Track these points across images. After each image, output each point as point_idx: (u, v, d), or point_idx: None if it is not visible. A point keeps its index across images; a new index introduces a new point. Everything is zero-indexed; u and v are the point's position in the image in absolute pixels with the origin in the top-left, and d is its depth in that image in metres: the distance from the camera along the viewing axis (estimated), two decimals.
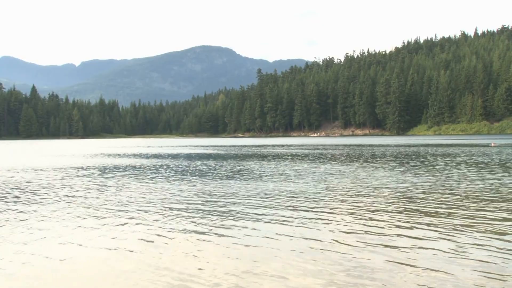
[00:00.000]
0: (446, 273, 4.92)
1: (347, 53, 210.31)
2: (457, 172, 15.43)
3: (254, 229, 7.16)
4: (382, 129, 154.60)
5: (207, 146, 53.13)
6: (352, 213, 8.29)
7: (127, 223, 7.73)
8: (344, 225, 7.31)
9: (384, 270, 5.04)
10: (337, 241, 6.33)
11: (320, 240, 6.37)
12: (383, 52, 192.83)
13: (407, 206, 8.90)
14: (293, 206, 9.10)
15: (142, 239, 6.61)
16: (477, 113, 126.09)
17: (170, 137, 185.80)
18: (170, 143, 73.64)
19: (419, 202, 9.34)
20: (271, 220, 7.82)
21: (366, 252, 5.74)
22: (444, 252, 5.71)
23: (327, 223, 7.47)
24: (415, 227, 7.12)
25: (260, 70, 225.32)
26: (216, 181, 14.01)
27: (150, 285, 4.70)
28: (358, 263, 5.31)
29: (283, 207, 9.07)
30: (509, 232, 6.68)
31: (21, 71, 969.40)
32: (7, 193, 11.82)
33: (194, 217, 8.20)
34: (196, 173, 16.80)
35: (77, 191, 12.06)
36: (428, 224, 7.26)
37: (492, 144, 41.90)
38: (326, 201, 9.68)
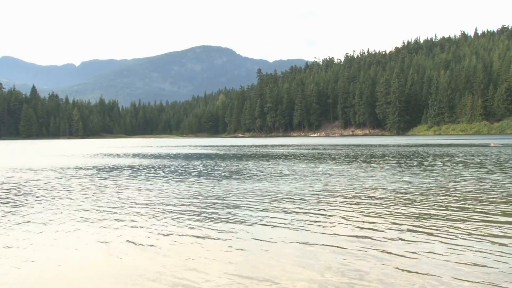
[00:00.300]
0: (441, 276, 4.91)
1: (347, 53, 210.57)
2: (455, 172, 15.42)
3: (251, 230, 7.16)
4: (382, 129, 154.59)
5: (206, 146, 53.13)
6: (349, 214, 8.29)
7: (124, 224, 7.72)
8: (341, 227, 7.31)
9: (379, 272, 5.04)
10: (333, 242, 6.32)
11: (316, 241, 6.37)
12: (383, 52, 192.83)
13: (404, 207, 8.90)
14: (290, 207, 9.10)
15: (138, 240, 6.61)
16: (477, 113, 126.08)
17: (170, 137, 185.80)
18: (170, 143, 73.64)
19: (416, 203, 9.34)
20: (268, 221, 7.82)
21: (361, 255, 5.74)
22: (440, 254, 5.71)
23: (324, 224, 7.47)
24: (411, 228, 7.11)
25: (260, 70, 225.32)
26: (214, 181, 14.01)
27: (149, 284, 4.69)
28: (353, 265, 5.30)
29: (280, 208, 9.06)
30: (506, 234, 6.68)
31: (21, 71, 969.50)
32: (5, 193, 11.81)
33: (191, 218, 8.19)
34: (195, 174, 16.80)
35: (75, 191, 12.05)
36: (424, 225, 7.26)
37: (492, 144, 41.89)
38: (324, 202, 9.68)
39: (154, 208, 9.25)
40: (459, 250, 5.79)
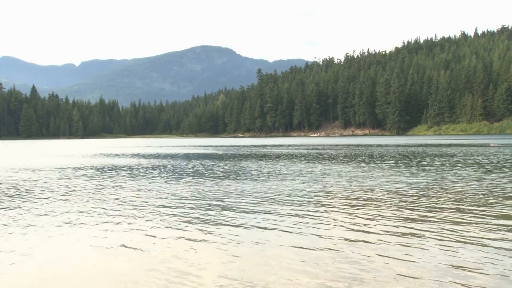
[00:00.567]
0: (439, 280, 4.91)
1: (347, 53, 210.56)
2: (453, 173, 15.42)
3: (247, 232, 7.16)
4: (382, 129, 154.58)
5: (206, 146, 53.12)
6: (346, 215, 8.29)
7: (120, 225, 7.72)
8: (338, 229, 7.30)
9: (376, 276, 5.04)
10: (330, 245, 6.32)
11: (313, 244, 6.37)
12: (383, 52, 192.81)
13: (401, 208, 8.90)
14: (287, 208, 9.10)
15: (135, 241, 6.61)
16: (477, 113, 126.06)
17: (170, 137, 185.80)
18: (170, 143, 73.64)
19: (413, 204, 9.34)
20: (265, 223, 7.81)
21: (358, 258, 5.73)
22: (436, 257, 5.71)
23: (321, 226, 7.47)
24: (408, 230, 7.10)
25: (260, 70, 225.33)
26: (212, 181, 14.00)
27: (143, 286, 4.69)
28: (350, 268, 5.30)
29: (277, 209, 9.06)
30: (503, 236, 6.68)
31: (21, 71, 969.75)
32: (2, 193, 11.80)
33: (187, 219, 8.20)
34: (193, 174, 16.79)
35: (73, 191, 12.05)
36: (422, 227, 7.26)
37: (492, 144, 41.88)
38: (321, 203, 9.67)
39: (151, 209, 9.25)
40: (456, 253, 5.79)
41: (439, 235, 6.58)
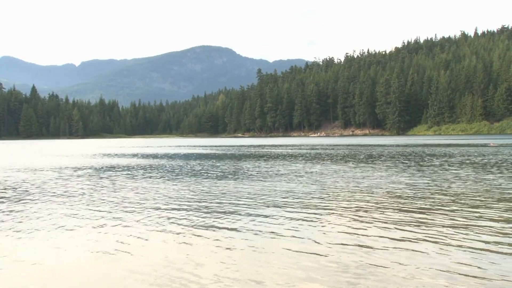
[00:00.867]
0: (434, 279, 4.93)
1: (347, 53, 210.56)
2: (452, 173, 15.42)
3: (243, 232, 7.17)
4: (382, 129, 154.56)
5: (206, 146, 53.13)
6: (343, 216, 8.30)
7: (117, 225, 7.73)
8: (334, 230, 7.31)
9: (372, 277, 5.05)
10: (326, 247, 6.33)
11: (310, 245, 6.38)
12: (383, 52, 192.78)
13: (399, 209, 8.91)
14: (284, 209, 9.11)
15: (131, 241, 6.63)
16: (477, 113, 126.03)
17: (170, 137, 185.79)
18: (170, 143, 73.65)
19: (410, 205, 9.35)
20: (262, 223, 7.82)
21: (354, 259, 5.75)
22: (433, 258, 5.71)
23: (318, 227, 7.48)
24: (405, 232, 7.11)
25: (260, 70, 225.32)
26: (210, 182, 14.02)
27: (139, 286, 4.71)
28: (345, 267, 5.31)
29: (274, 209, 9.08)
30: (499, 237, 6.69)
31: (21, 71, 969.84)
32: (0, 193, 11.81)
33: (185, 219, 8.21)
34: (192, 173, 16.80)
35: (71, 191, 12.06)
36: (418, 229, 7.26)
37: (491, 144, 41.88)
38: (318, 204, 9.68)
39: (149, 209, 9.26)
40: (453, 255, 5.79)
41: (436, 237, 6.58)
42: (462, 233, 6.69)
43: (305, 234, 6.83)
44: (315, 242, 6.34)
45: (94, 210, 9.08)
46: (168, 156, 31.40)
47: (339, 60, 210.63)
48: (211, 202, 9.88)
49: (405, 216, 7.99)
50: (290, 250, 5.95)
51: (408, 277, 4.83)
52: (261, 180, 14.04)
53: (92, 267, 5.40)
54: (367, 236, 6.64)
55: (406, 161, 21.50)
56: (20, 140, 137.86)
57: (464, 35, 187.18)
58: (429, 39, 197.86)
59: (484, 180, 13.21)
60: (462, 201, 9.47)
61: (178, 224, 7.67)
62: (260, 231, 7.05)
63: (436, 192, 10.82)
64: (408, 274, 4.93)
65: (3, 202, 10.34)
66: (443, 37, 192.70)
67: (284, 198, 10.33)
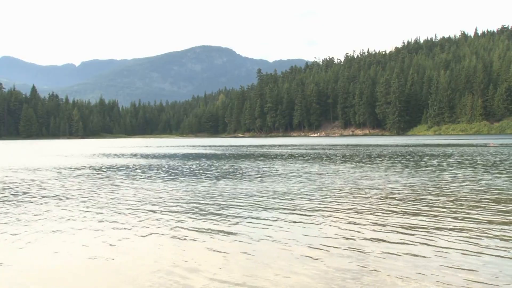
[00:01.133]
0: (432, 280, 4.92)
1: (347, 53, 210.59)
2: (450, 173, 15.42)
3: (240, 233, 7.16)
4: (382, 129, 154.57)
5: (205, 146, 53.13)
6: (339, 217, 8.30)
7: (114, 224, 7.72)
8: (331, 230, 7.30)
9: (368, 276, 5.05)
10: (322, 246, 6.33)
11: (306, 246, 6.38)
12: (383, 52, 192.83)
13: (396, 209, 8.91)
14: (282, 209, 9.11)
15: (129, 241, 6.62)
16: (477, 113, 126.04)
17: (170, 137, 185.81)
18: (169, 143, 73.65)
19: (407, 205, 9.35)
20: (259, 223, 7.82)
21: (350, 259, 5.74)
22: (427, 258, 5.71)
23: (314, 228, 7.48)
24: (401, 233, 7.11)
25: (260, 70, 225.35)
26: (208, 181, 14.01)
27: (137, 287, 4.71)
28: (342, 270, 5.31)
29: (272, 209, 9.07)
30: (495, 238, 6.68)
31: (21, 71, 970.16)
32: None
33: (182, 219, 8.20)
34: (190, 174, 16.80)
35: (69, 191, 12.05)
36: (414, 230, 7.26)
37: (491, 144, 41.88)
38: (315, 203, 9.68)
39: (146, 210, 9.25)
40: (447, 254, 5.79)
41: (434, 238, 6.57)
42: (460, 234, 6.68)
43: (302, 236, 6.81)
44: (312, 244, 6.33)
45: (91, 211, 9.07)
46: (167, 156, 31.40)
47: (339, 60, 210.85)
48: (208, 203, 9.87)
49: (403, 217, 7.98)
50: (286, 252, 5.94)
51: (406, 279, 4.83)
52: (259, 181, 14.03)
53: (87, 269, 5.39)
54: (364, 238, 6.62)
55: (405, 161, 21.49)
56: (20, 140, 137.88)
57: (464, 35, 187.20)
58: (429, 39, 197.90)
59: (482, 180, 13.20)
60: (460, 202, 9.46)
61: (174, 225, 7.66)
62: (256, 233, 7.03)
63: (434, 193, 10.82)
64: (406, 276, 4.92)
65: (0, 202, 10.33)
66: (443, 37, 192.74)
67: (281, 199, 10.33)
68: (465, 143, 49.68)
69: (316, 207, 9.11)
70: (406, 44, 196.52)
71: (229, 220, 7.90)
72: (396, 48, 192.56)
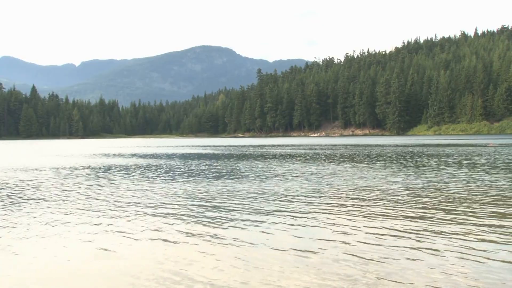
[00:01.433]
0: (430, 281, 4.93)
1: (347, 53, 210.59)
2: (448, 173, 15.42)
3: (237, 233, 7.18)
4: (382, 129, 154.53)
5: (205, 146, 53.14)
6: (336, 217, 8.31)
7: (111, 225, 7.73)
8: (328, 230, 7.32)
9: (366, 277, 5.06)
10: (319, 247, 6.34)
11: (303, 246, 6.39)
12: (383, 52, 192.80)
13: (393, 209, 8.92)
14: (278, 209, 9.12)
15: (125, 242, 6.64)
16: (477, 113, 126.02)
17: (170, 137, 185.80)
18: (169, 143, 73.66)
19: (404, 205, 9.36)
20: (257, 224, 7.84)
21: (347, 260, 5.75)
22: (423, 260, 5.72)
23: (311, 228, 7.49)
24: (398, 233, 7.12)
25: (260, 70, 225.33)
26: (206, 181, 14.02)
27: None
28: (341, 269, 5.32)
29: (269, 210, 9.09)
30: (492, 238, 6.69)
31: (21, 71, 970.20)
32: None
33: (180, 219, 8.21)
34: (188, 174, 16.80)
35: (68, 191, 12.06)
36: (410, 230, 7.28)
37: (490, 144, 41.87)
38: (313, 203, 9.69)
39: (145, 209, 9.26)
40: (445, 256, 5.80)
41: (432, 239, 6.58)
42: (457, 236, 6.68)
43: (300, 235, 6.83)
44: (307, 247, 6.33)
45: (88, 211, 9.08)
46: (166, 156, 31.41)
47: (339, 60, 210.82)
48: (204, 204, 9.88)
49: (400, 219, 7.98)
50: (281, 255, 5.94)
51: (405, 280, 4.84)
52: (257, 181, 14.04)
53: (83, 268, 5.40)
54: (361, 241, 6.63)
55: (404, 161, 21.49)
56: (20, 140, 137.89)
57: (464, 35, 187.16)
58: (429, 39, 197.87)
59: (480, 180, 13.20)
60: (459, 202, 9.46)
61: (169, 227, 7.65)
62: (251, 236, 7.02)
63: (432, 192, 10.83)
64: (404, 278, 4.93)
65: None
66: (443, 37, 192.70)
67: (278, 200, 10.33)
68: (464, 143, 49.68)
69: (312, 208, 9.11)
70: (406, 44, 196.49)
71: (224, 222, 7.90)
72: (396, 48, 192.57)
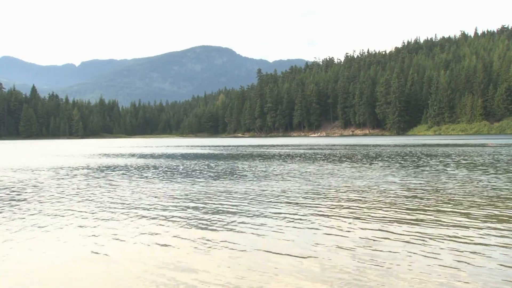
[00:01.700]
0: (430, 281, 4.92)
1: (347, 53, 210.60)
2: (447, 173, 15.40)
3: (235, 233, 7.16)
4: (382, 129, 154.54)
5: (205, 146, 53.13)
6: (333, 217, 8.29)
7: (109, 226, 7.71)
8: (325, 231, 7.30)
9: (364, 278, 5.04)
10: (317, 248, 6.32)
11: (303, 244, 6.37)
12: (383, 52, 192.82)
13: (391, 209, 8.90)
14: (276, 209, 9.10)
15: (123, 243, 6.61)
16: (477, 113, 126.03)
17: (170, 137, 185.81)
18: (169, 143, 73.65)
19: (402, 205, 9.34)
20: (255, 223, 7.81)
21: (346, 261, 5.73)
22: (420, 261, 5.71)
23: (309, 228, 7.47)
24: (395, 233, 7.10)
25: (260, 70, 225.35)
26: (204, 181, 13.99)
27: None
28: (339, 271, 5.30)
29: (267, 210, 9.06)
30: (490, 238, 6.67)
31: (21, 71, 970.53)
32: None
33: (179, 220, 8.19)
34: (187, 174, 16.78)
35: (66, 191, 12.03)
36: (407, 230, 7.25)
37: (490, 144, 41.86)
38: (311, 203, 9.67)
39: (141, 210, 9.23)
40: (445, 258, 5.79)
41: (431, 239, 6.57)
42: (457, 236, 6.66)
43: (299, 235, 6.81)
44: (305, 247, 6.32)
45: (86, 211, 9.06)
46: (166, 156, 31.39)
47: (339, 60, 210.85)
48: (202, 205, 9.85)
49: (398, 221, 7.95)
50: (277, 256, 5.93)
51: (404, 281, 4.82)
52: (255, 181, 14.02)
53: (78, 271, 5.37)
54: (357, 244, 6.61)
55: (403, 161, 21.47)
56: (20, 140, 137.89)
57: (464, 35, 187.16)
58: (429, 39, 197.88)
59: (479, 180, 13.18)
60: (456, 203, 9.44)
61: (167, 227, 7.63)
62: (248, 236, 7.00)
63: (430, 192, 10.80)
64: (401, 281, 4.92)
65: None
66: (443, 37, 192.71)
67: (277, 199, 10.31)
68: (464, 143, 49.67)
69: (309, 210, 9.08)
70: (406, 44, 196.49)
71: (220, 225, 7.85)
72: (396, 48, 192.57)
